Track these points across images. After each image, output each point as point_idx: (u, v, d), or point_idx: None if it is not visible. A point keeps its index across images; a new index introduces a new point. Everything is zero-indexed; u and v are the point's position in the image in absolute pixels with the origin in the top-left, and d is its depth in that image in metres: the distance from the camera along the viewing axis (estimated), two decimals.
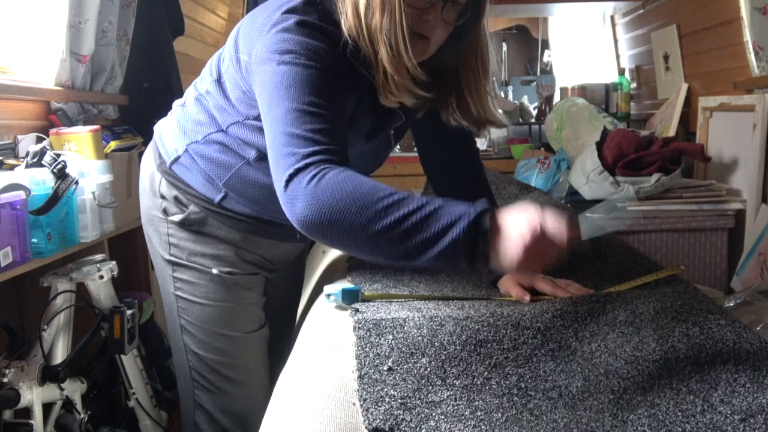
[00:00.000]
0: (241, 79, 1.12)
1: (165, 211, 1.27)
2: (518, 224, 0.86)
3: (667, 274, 1.19)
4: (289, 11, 1.02)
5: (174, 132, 1.27)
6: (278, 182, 0.93)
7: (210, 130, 1.20)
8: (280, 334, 1.56)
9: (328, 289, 1.16)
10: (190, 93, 1.28)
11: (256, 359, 1.35)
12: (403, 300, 1.15)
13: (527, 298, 1.15)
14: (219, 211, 1.24)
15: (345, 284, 1.17)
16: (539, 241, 0.85)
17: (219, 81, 1.19)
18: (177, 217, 1.26)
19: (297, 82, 0.95)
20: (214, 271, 1.27)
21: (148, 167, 1.32)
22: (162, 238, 1.29)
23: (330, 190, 0.87)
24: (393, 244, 0.86)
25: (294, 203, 0.90)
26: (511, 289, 1.18)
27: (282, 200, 0.93)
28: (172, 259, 1.29)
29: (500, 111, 1.16)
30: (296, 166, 0.90)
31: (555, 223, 0.87)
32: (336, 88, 0.99)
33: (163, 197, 1.27)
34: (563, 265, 1.35)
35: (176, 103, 1.32)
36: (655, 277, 1.18)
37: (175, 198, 1.26)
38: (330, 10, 1.03)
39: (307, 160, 0.90)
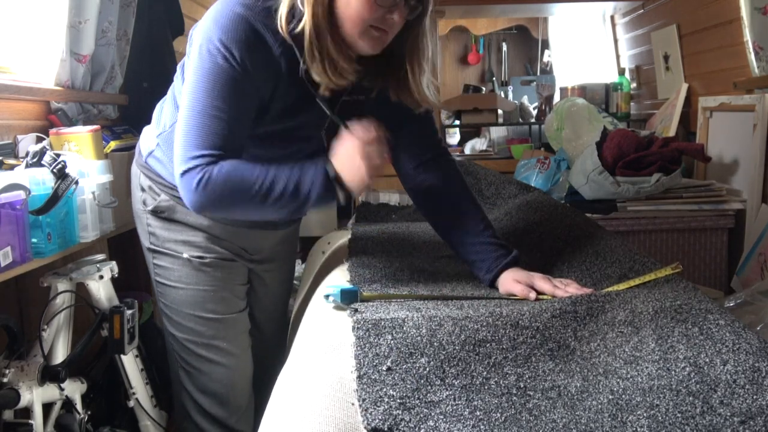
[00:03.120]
0: (189, 54, 1.21)
1: (144, 202, 1.39)
2: (345, 147, 1.13)
3: (665, 274, 1.19)
4: None
5: (151, 128, 1.40)
6: (175, 170, 1.15)
7: (174, 119, 1.29)
8: (270, 329, 1.62)
9: (326, 289, 1.16)
10: (168, 92, 1.38)
11: (231, 341, 1.42)
12: (402, 300, 1.15)
13: (533, 295, 1.15)
14: None
15: (343, 284, 1.17)
16: (365, 145, 1.11)
17: (183, 65, 1.28)
18: (152, 206, 1.37)
19: (209, 79, 1.11)
20: (185, 255, 1.36)
21: (132, 165, 1.45)
22: (144, 228, 1.40)
23: (216, 189, 1.10)
24: (277, 212, 1.15)
25: (187, 195, 1.13)
26: (513, 287, 1.18)
27: (178, 186, 1.15)
28: (152, 246, 1.40)
29: (432, 93, 1.26)
30: (186, 165, 1.11)
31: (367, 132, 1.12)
32: (242, 87, 1.13)
33: (143, 189, 1.39)
34: (561, 264, 1.35)
35: (158, 104, 1.42)
36: (653, 276, 1.18)
37: (150, 188, 1.37)
38: (269, 4, 1.13)
39: (196, 162, 1.11)
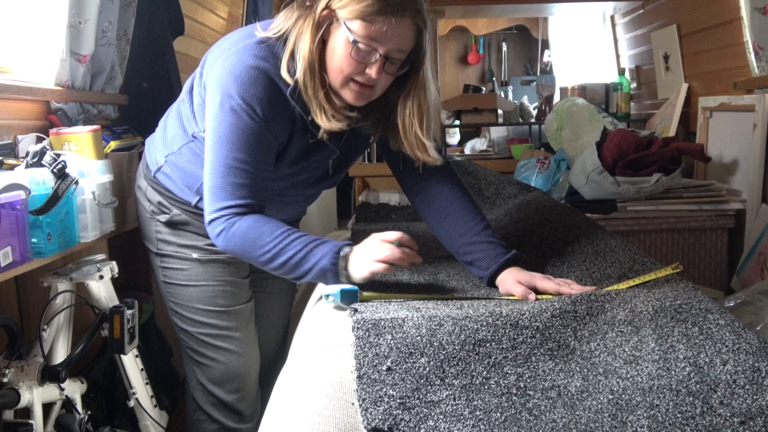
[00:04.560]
0: (200, 92, 1.29)
1: (153, 213, 1.47)
2: (366, 240, 1.18)
3: (665, 274, 1.19)
4: (246, 46, 1.21)
5: (158, 144, 1.47)
6: (205, 216, 1.24)
7: (183, 141, 1.38)
8: (273, 325, 1.68)
9: (326, 289, 1.16)
10: (172, 107, 1.45)
11: (243, 330, 1.50)
12: (402, 300, 1.15)
13: (532, 296, 1.15)
14: (197, 212, 1.40)
15: (343, 285, 1.17)
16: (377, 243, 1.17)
17: (191, 91, 1.35)
18: (163, 218, 1.45)
19: (233, 133, 1.19)
20: (194, 255, 1.44)
21: (139, 176, 1.54)
22: (152, 235, 1.49)
23: (234, 241, 1.19)
24: (278, 272, 1.20)
25: (213, 240, 1.23)
26: (513, 288, 1.19)
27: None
28: (160, 251, 1.48)
29: (435, 154, 1.28)
30: (212, 216, 1.21)
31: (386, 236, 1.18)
32: (264, 139, 1.21)
33: (150, 202, 1.47)
34: (561, 264, 1.35)
35: (162, 119, 1.49)
36: (654, 276, 1.19)
37: (159, 202, 1.45)
38: (278, 54, 1.21)
39: (221, 213, 1.20)
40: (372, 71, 1.16)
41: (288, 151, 1.28)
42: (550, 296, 1.15)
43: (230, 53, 1.21)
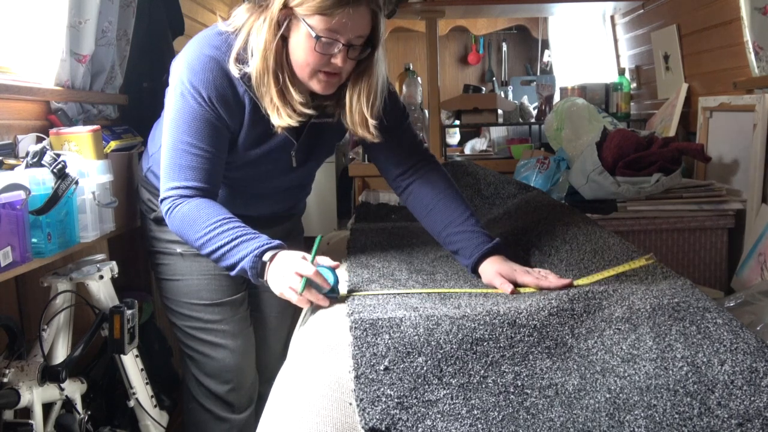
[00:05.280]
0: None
1: (145, 212, 1.55)
2: (295, 260, 1.15)
3: (639, 265, 1.21)
4: (205, 37, 1.28)
5: (149, 145, 1.54)
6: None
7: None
8: (275, 322, 1.71)
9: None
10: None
11: (229, 323, 1.54)
12: (398, 297, 1.15)
13: (509, 289, 1.19)
14: None
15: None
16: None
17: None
18: (152, 215, 1.52)
19: (181, 117, 1.24)
20: (178, 250, 1.50)
21: (138, 178, 1.62)
22: (146, 233, 1.57)
23: (175, 222, 1.25)
24: (212, 260, 1.23)
25: (165, 219, 1.28)
26: (493, 280, 1.23)
27: None
28: (153, 248, 1.55)
29: (374, 131, 1.29)
30: (162, 195, 1.27)
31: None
32: (210, 123, 1.25)
33: (143, 201, 1.56)
34: (559, 263, 1.36)
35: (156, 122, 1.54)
36: (627, 267, 1.21)
37: (149, 200, 1.53)
38: (232, 45, 1.24)
39: (169, 193, 1.25)
40: (338, 60, 1.20)
41: (242, 136, 1.31)
42: (530, 289, 1.19)
43: (191, 44, 1.29)
